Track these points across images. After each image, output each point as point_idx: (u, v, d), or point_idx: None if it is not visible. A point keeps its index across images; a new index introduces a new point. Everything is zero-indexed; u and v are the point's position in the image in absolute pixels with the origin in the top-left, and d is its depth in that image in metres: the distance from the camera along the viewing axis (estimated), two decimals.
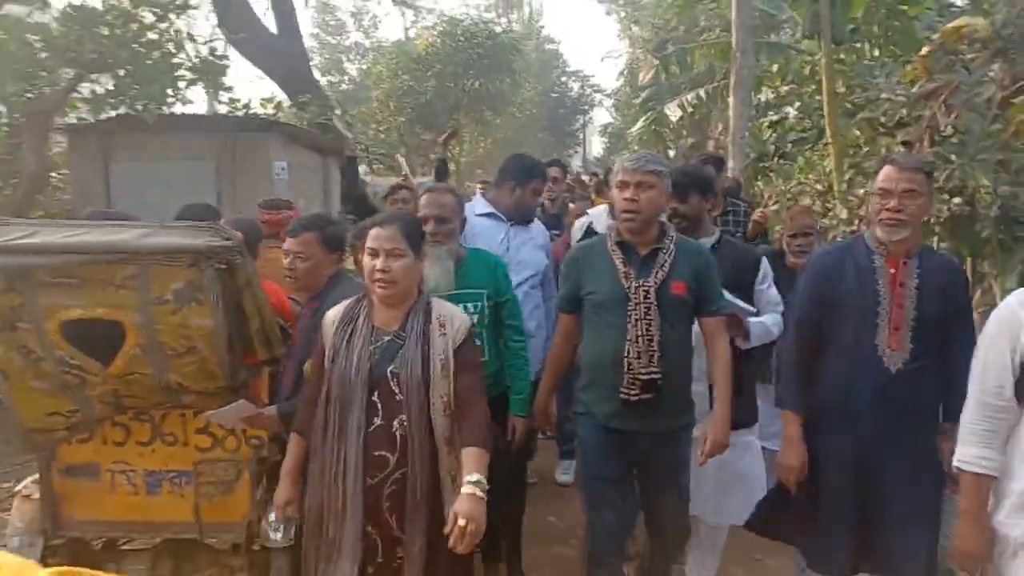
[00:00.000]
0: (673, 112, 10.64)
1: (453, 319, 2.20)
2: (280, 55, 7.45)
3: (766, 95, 10.38)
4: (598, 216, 3.82)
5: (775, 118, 9.91)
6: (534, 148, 28.63)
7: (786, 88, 8.80)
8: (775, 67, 8.53)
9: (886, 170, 2.36)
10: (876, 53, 6.51)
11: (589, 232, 3.63)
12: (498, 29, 16.04)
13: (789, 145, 9.35)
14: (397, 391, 2.07)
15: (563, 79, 30.66)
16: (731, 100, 9.40)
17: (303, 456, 2.22)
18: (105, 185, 6.23)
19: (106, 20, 4.55)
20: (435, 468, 2.09)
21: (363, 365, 2.08)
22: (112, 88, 4.79)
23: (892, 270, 2.34)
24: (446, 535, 1.96)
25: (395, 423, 2.06)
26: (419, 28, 7.69)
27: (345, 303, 2.24)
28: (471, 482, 2.01)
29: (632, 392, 2.45)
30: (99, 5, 4.90)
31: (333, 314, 2.21)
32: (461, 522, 1.92)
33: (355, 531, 2.06)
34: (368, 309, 2.17)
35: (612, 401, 2.50)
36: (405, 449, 2.05)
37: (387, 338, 2.12)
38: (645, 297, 2.45)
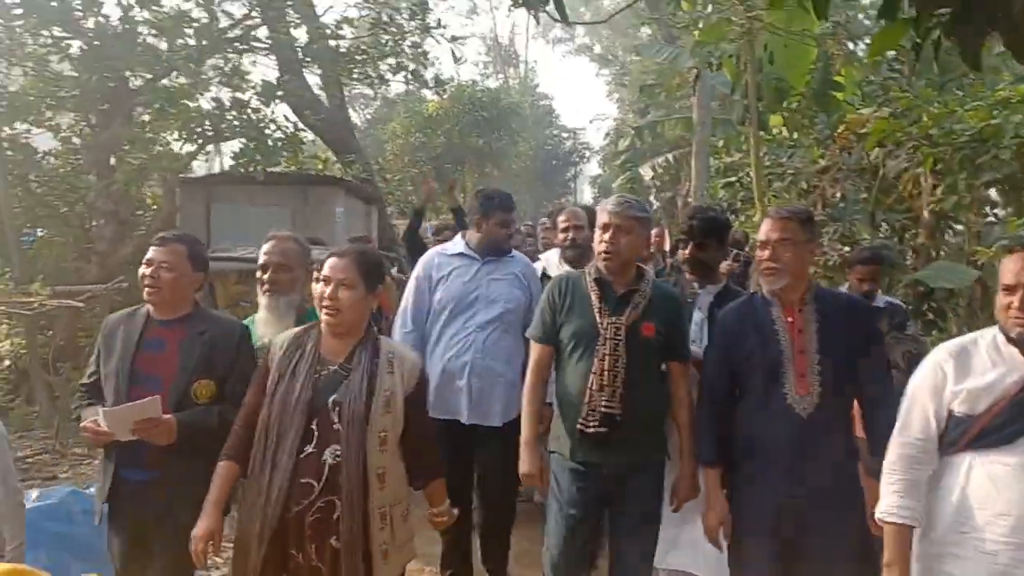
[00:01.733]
0: (646, 172, 12.78)
1: (404, 360, 2.23)
2: (332, 123, 9.44)
3: (725, 159, 12.52)
4: (549, 259, 3.91)
5: (729, 179, 12.02)
6: (528, 197, 30.82)
7: (733, 157, 10.86)
8: (720, 142, 10.59)
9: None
10: (796, 135, 8.58)
11: (544, 277, 3.64)
12: (500, 95, 18.26)
13: (740, 203, 11.43)
14: (336, 421, 2.06)
15: (556, 134, 33.01)
16: (693, 164, 11.50)
17: (230, 484, 2.18)
18: (207, 223, 8.17)
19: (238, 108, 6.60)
20: (365, 502, 2.07)
21: (305, 393, 2.08)
22: (237, 152, 6.80)
23: (790, 319, 2.38)
24: (373, 573, 2.08)
25: (327, 452, 2.05)
26: (431, 92, 9.49)
27: (295, 330, 2.27)
28: (437, 512, 2.36)
29: (590, 424, 2.49)
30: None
31: (281, 340, 2.24)
32: (435, 510, 2.36)
33: (258, 553, 2.04)
34: (317, 338, 2.18)
35: (573, 434, 2.55)
36: (333, 478, 2.04)
37: (332, 368, 2.14)
38: (615, 334, 2.49)
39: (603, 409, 2.47)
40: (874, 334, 2.49)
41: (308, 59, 7.93)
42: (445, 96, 14.26)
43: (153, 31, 7.81)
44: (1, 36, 7.63)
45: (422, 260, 3.49)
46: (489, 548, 3.45)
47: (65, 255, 7.69)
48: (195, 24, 7.69)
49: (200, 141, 6.95)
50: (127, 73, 7.10)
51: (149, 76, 7.04)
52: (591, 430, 2.48)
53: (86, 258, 7.84)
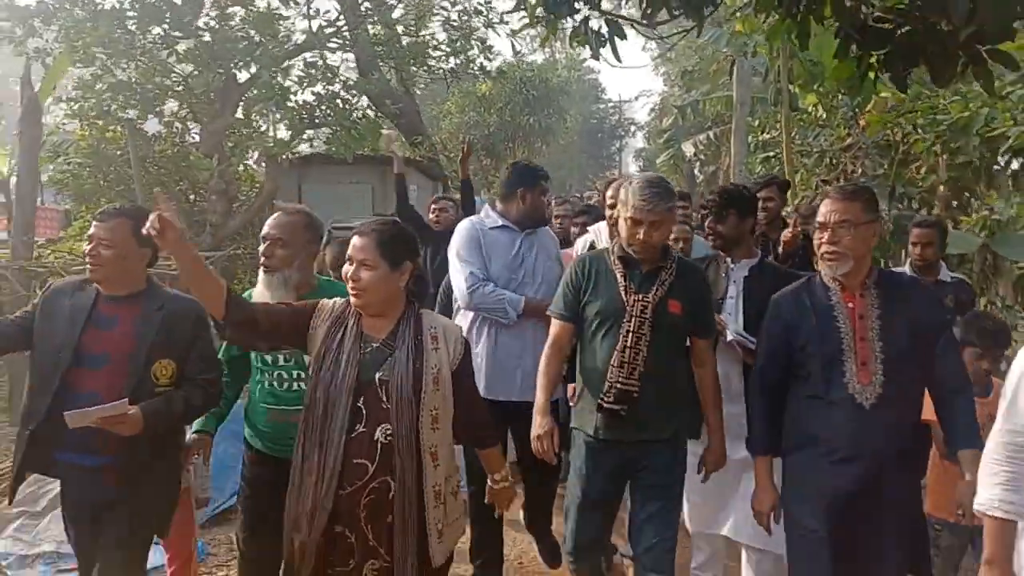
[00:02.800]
0: (688, 148, 13.59)
1: (447, 334, 2.17)
2: (404, 110, 10.54)
3: (762, 136, 13.25)
4: (600, 231, 3.73)
5: (767, 155, 12.75)
6: (573, 170, 31.63)
7: (769, 135, 11.61)
8: (756, 122, 11.36)
9: (824, 202, 2.31)
10: (825, 116, 9.35)
11: (592, 249, 3.48)
12: (549, 75, 19.11)
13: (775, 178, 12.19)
14: (385, 399, 2.02)
15: (601, 107, 33.62)
16: (732, 141, 12.28)
17: (216, 281, 2.06)
18: (298, 200, 9.39)
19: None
20: (420, 481, 2.04)
21: (350, 370, 2.03)
22: (329, 137, 7.97)
23: (850, 304, 2.27)
24: (429, 553, 2.05)
25: (378, 431, 2.01)
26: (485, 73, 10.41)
27: (338, 300, 2.19)
28: (496, 480, 2.32)
29: (607, 399, 2.48)
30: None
31: (326, 310, 2.16)
32: (496, 485, 2.31)
33: (315, 533, 2.00)
34: (357, 315, 2.13)
35: (594, 411, 2.54)
36: (386, 458, 2.00)
37: (375, 345, 2.09)
38: (642, 312, 2.47)
39: (620, 386, 2.46)
40: (941, 317, 2.36)
41: (385, 55, 9.00)
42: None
43: (249, 28, 9.00)
44: (117, 35, 8.88)
45: (463, 232, 3.26)
46: (534, 512, 3.41)
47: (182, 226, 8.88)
48: (286, 21, 8.85)
49: (298, 128, 8.14)
50: (233, 68, 8.30)
51: (253, 71, 8.22)
52: (607, 405, 2.48)
53: (198, 230, 9.13)
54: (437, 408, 2.08)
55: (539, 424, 2.58)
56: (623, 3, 3.27)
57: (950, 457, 2.34)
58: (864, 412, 2.21)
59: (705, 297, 2.65)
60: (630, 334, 2.47)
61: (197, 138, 9.74)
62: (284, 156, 8.24)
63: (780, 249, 3.64)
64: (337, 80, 8.36)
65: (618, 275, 2.55)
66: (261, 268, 2.53)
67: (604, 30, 3.08)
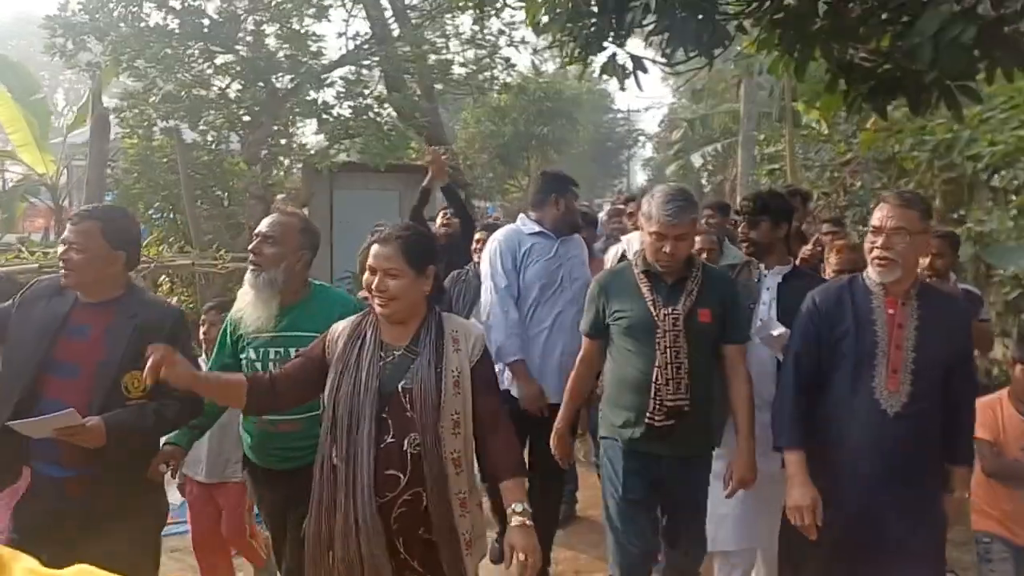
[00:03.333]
0: (697, 160, 14.14)
1: (468, 334, 2.12)
2: (429, 123, 11.12)
3: (767, 150, 13.78)
4: (631, 242, 3.71)
5: (772, 167, 13.28)
6: (583, 178, 32.14)
7: (775, 148, 12.15)
8: (761, 136, 11.91)
9: (881, 207, 2.28)
10: (827, 131, 9.88)
11: (624, 259, 3.43)
12: (561, 87, 19.72)
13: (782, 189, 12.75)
14: (409, 408, 1.98)
15: (611, 118, 34.16)
16: (740, 153, 12.81)
17: (230, 387, 2.10)
18: (330, 206, 9.96)
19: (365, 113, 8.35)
20: (444, 490, 1.99)
21: (372, 381, 1.99)
22: (362, 147, 8.54)
23: (891, 311, 2.24)
24: (461, 566, 1.99)
25: (406, 441, 1.97)
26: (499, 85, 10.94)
27: (353, 318, 2.14)
28: (519, 512, 2.00)
29: (657, 418, 2.43)
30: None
31: (340, 328, 2.12)
32: (521, 556, 1.94)
33: (379, 551, 1.94)
34: (376, 324, 2.08)
35: (637, 426, 2.49)
36: (417, 468, 1.96)
37: (397, 353, 2.04)
38: (674, 325, 2.43)
39: (671, 402, 2.42)
40: (968, 337, 2.38)
41: (412, 72, 9.60)
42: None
43: (285, 44, 9.59)
44: (161, 49, 9.48)
45: (502, 238, 3.34)
46: (539, 520, 3.51)
47: (219, 229, 9.56)
48: (319, 40, 9.45)
49: (335, 138, 8.73)
50: (274, 80, 8.89)
51: (292, 85, 8.82)
52: (659, 423, 2.43)
53: (234, 233, 9.68)
54: (458, 412, 2.02)
55: (560, 416, 2.70)
56: (644, 42, 3.70)
57: (991, 469, 2.55)
58: (888, 419, 2.21)
59: (735, 302, 2.61)
60: (668, 349, 2.43)
61: (234, 146, 10.35)
62: (320, 165, 8.82)
63: (797, 263, 3.49)
64: (370, 95, 8.96)
65: (644, 289, 2.52)
66: (251, 269, 2.44)
67: (629, 65, 3.62)
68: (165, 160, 9.05)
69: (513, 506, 2.02)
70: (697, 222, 2.64)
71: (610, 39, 3.48)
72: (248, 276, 2.46)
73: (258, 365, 2.48)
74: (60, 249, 2.35)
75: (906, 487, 2.24)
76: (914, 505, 2.25)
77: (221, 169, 9.91)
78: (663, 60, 3.51)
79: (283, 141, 9.04)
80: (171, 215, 9.48)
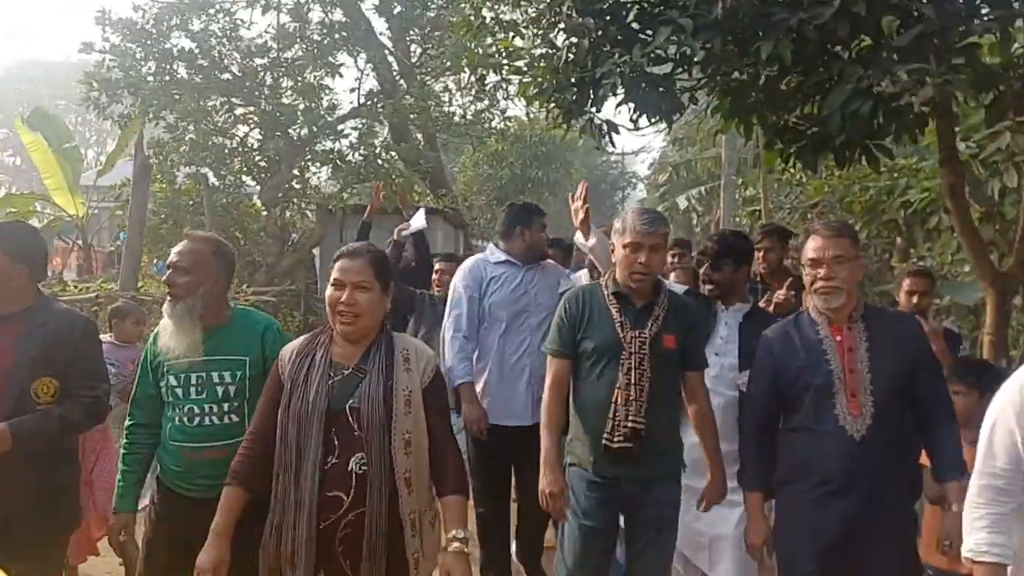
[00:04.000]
0: (682, 202, 14.96)
1: (419, 355, 2.11)
2: (430, 167, 11.93)
3: (745, 193, 14.65)
4: (579, 281, 3.79)
5: (751, 210, 14.12)
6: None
7: (754, 192, 12.99)
8: (739, 180, 12.76)
9: (812, 240, 2.34)
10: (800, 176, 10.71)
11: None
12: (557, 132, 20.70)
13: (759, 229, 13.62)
14: (356, 427, 1.96)
15: (604, 160, 35.21)
16: (722, 196, 13.64)
17: (239, 509, 2.02)
18: (341, 242, 10.70)
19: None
20: (395, 509, 1.97)
21: (320, 401, 1.96)
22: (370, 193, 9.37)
23: (838, 337, 2.29)
24: None
25: (352, 461, 1.95)
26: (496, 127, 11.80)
27: (303, 337, 2.14)
28: (457, 539, 1.96)
29: (615, 439, 2.45)
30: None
31: (289, 349, 2.11)
32: None
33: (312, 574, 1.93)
34: (327, 343, 2.07)
35: (596, 448, 2.50)
36: (361, 488, 1.93)
37: (346, 372, 2.02)
38: (640, 348, 2.46)
39: (629, 424, 2.45)
40: (925, 350, 2.38)
41: (416, 123, 10.45)
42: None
43: (299, 97, 10.45)
44: (191, 105, 10.33)
45: (467, 268, 3.49)
46: (525, 542, 3.50)
47: (238, 267, 10.25)
48: (332, 93, 10.33)
49: (347, 183, 9.51)
50: (291, 131, 9.72)
51: (308, 135, 9.64)
52: (616, 445, 2.46)
53: (251, 270, 10.40)
54: (409, 432, 2.01)
55: (549, 481, 2.54)
56: (615, 109, 4.34)
57: (933, 498, 2.47)
58: (855, 444, 2.21)
59: (697, 330, 2.67)
60: (632, 371, 2.46)
61: (249, 189, 11.15)
62: (334, 207, 9.60)
63: (772, 309, 3.54)
64: (379, 144, 9.78)
65: (613, 311, 2.54)
66: (169, 298, 2.42)
67: (605, 127, 4.38)
68: (191, 203, 9.81)
69: (453, 532, 1.99)
70: (667, 238, 2.66)
71: (587, 107, 4.24)
72: (166, 307, 2.41)
73: (179, 391, 2.40)
74: None
75: (880, 510, 2.23)
76: (889, 528, 2.23)
77: (238, 211, 10.69)
78: (631, 125, 4.25)
79: (298, 185, 9.82)
80: None
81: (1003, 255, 5.23)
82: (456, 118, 10.72)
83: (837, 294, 2.30)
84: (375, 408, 1.97)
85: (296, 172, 9.91)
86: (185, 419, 2.39)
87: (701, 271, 3.01)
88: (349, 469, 1.95)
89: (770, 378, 2.41)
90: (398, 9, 10.52)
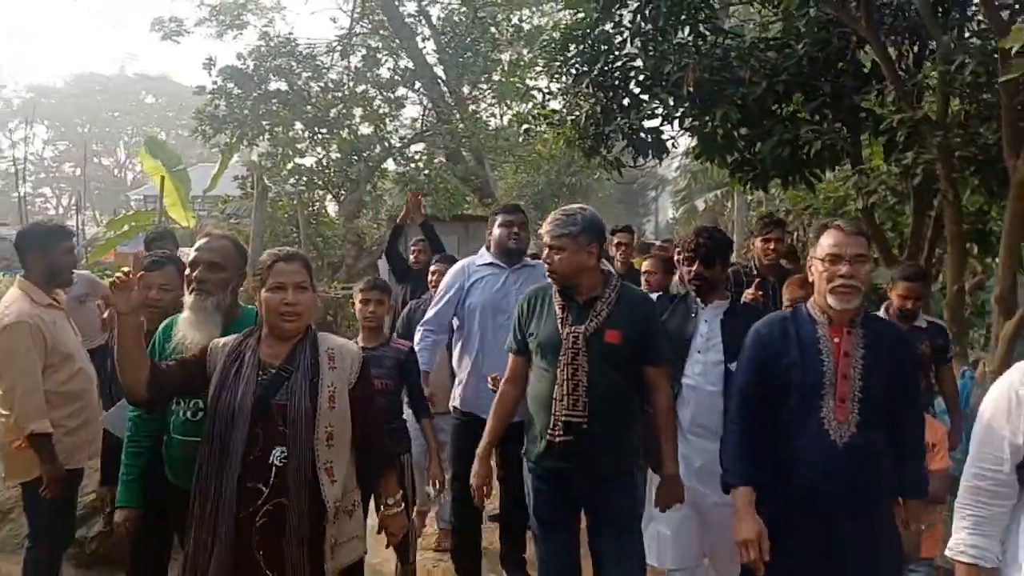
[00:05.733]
0: (699, 205, 16.54)
1: (344, 353, 2.17)
2: (480, 182, 13.71)
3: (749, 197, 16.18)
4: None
5: (762, 211, 15.63)
6: (611, 218, 34.23)
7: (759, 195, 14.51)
8: None
9: (833, 235, 2.20)
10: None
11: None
12: None
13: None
14: (281, 422, 2.03)
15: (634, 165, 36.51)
16: (734, 199, 15.21)
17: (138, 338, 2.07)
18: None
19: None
20: (317, 498, 2.03)
21: (247, 398, 2.03)
22: (430, 204, 11.22)
23: (836, 339, 2.20)
24: (323, 570, 2.04)
25: (272, 455, 2.01)
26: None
27: (233, 337, 2.18)
28: (390, 504, 2.24)
29: (556, 433, 2.47)
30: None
31: (220, 344, 2.16)
32: (393, 532, 2.26)
33: (224, 565, 1.98)
34: (254, 344, 2.13)
35: (541, 442, 2.54)
36: (280, 480, 2.00)
37: (273, 370, 2.09)
38: (574, 343, 2.47)
39: (565, 418, 2.46)
40: (915, 366, 2.39)
41: (467, 146, 12.29)
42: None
43: (368, 124, 12.37)
44: (279, 133, 12.30)
45: (453, 270, 3.56)
46: (508, 541, 3.50)
47: (321, 267, 12.21)
48: (395, 119, 12.22)
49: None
50: (366, 153, 11.65)
51: (378, 156, 11.56)
52: (558, 439, 2.47)
53: (331, 272, 12.30)
54: (332, 426, 2.07)
55: (476, 472, 2.65)
56: (621, 151, 5.78)
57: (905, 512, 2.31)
58: (836, 449, 2.16)
59: (650, 324, 2.60)
60: (567, 367, 2.47)
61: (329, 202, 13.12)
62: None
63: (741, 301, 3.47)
64: (438, 163, 11.66)
65: (557, 308, 2.56)
66: (192, 293, 2.39)
67: (614, 163, 6.13)
68: (286, 216, 11.79)
69: (389, 500, 2.22)
70: (579, 238, 2.52)
71: (601, 150, 6.00)
72: (192, 302, 2.38)
73: None
74: None
75: (862, 517, 2.18)
76: (871, 535, 2.18)
77: (317, 221, 12.65)
78: (631, 163, 6.00)
79: (369, 200, 11.72)
80: None
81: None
82: (500, 141, 12.56)
83: (856, 295, 2.20)
84: (300, 404, 2.04)
85: (369, 188, 11.80)
86: (189, 413, 2.40)
87: (688, 268, 2.90)
88: (269, 462, 2.01)
89: (758, 371, 2.31)
90: (451, 52, 12.45)
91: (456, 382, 3.53)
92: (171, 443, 2.46)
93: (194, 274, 2.40)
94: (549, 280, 2.76)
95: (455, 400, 3.51)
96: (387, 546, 2.37)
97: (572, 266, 2.54)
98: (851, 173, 5.41)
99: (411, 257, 5.62)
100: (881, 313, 3.66)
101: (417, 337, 3.52)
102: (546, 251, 2.56)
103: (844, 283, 2.17)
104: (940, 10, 4.32)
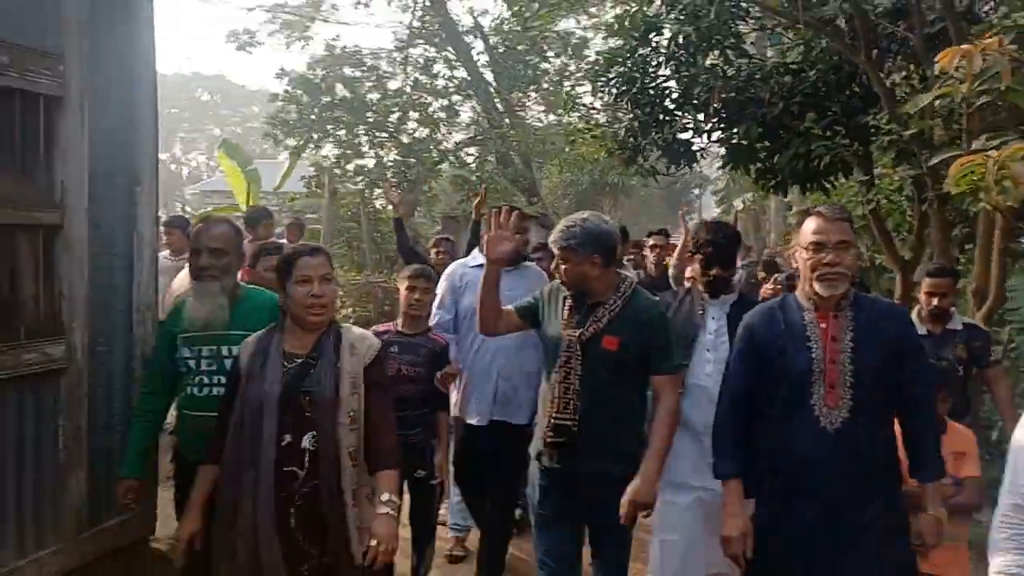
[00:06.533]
0: (738, 204, 17.10)
1: (363, 342, 2.24)
2: (526, 181, 14.57)
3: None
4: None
5: (797, 210, 16.09)
6: (654, 218, 34.58)
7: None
8: None
9: (814, 222, 2.17)
10: None
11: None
12: None
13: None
14: (308, 409, 2.10)
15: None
16: (772, 201, 15.73)
17: (211, 484, 2.16)
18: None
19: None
20: (339, 482, 2.09)
21: (275, 387, 2.10)
22: None
23: (823, 324, 2.17)
24: (351, 551, 2.07)
25: (304, 439, 2.09)
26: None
27: (259, 334, 2.24)
28: (384, 502, 2.12)
29: (549, 434, 2.50)
30: None
31: (247, 344, 2.23)
32: (373, 543, 2.06)
33: (271, 547, 2.03)
34: (279, 337, 2.20)
35: (540, 440, 2.58)
36: (314, 463, 2.07)
37: (299, 360, 2.16)
38: (569, 346, 2.47)
39: (556, 420, 2.46)
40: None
41: (517, 150, 13.16)
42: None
43: (423, 127, 13.34)
44: (343, 137, 13.33)
45: (446, 273, 3.55)
46: (492, 548, 3.44)
47: (379, 259, 13.24)
48: (450, 124, 13.16)
49: (464, 197, 12.36)
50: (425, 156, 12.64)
51: (435, 158, 12.53)
52: (550, 440, 2.50)
53: (392, 261, 13.30)
54: (354, 410, 2.14)
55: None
56: (655, 160, 6.51)
57: (912, 503, 2.25)
58: (828, 436, 2.11)
59: (656, 332, 2.54)
60: (560, 369, 2.48)
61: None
62: (457, 214, 12.45)
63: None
64: (489, 166, 12.58)
65: (565, 309, 2.56)
66: (202, 279, 2.49)
67: (650, 170, 6.93)
68: (349, 213, 12.84)
69: (385, 496, 2.14)
70: (579, 251, 2.51)
71: (638, 160, 6.81)
72: (201, 287, 2.49)
73: (192, 363, 2.53)
74: None
75: (861, 506, 2.12)
76: (871, 525, 2.12)
77: (376, 218, 13.69)
78: (664, 170, 6.79)
79: (424, 199, 12.69)
80: (345, 250, 13.25)
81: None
82: (547, 146, 13.43)
83: (842, 281, 2.17)
84: (325, 391, 2.11)
85: (426, 188, 12.76)
86: (195, 389, 2.51)
87: (707, 268, 2.81)
88: (302, 446, 2.09)
89: (748, 361, 2.28)
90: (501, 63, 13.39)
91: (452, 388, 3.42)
92: (183, 418, 2.60)
93: (200, 261, 2.50)
94: (544, 281, 2.92)
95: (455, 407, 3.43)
96: (363, 556, 2.11)
97: (575, 276, 2.54)
98: (855, 183, 6.09)
99: (433, 255, 5.50)
100: (913, 316, 3.47)
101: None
102: (555, 261, 2.61)
103: (828, 271, 2.15)
104: (935, 43, 4.97)
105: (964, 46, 2.50)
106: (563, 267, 2.53)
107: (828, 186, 6.52)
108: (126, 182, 2.93)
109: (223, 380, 2.40)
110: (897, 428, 2.23)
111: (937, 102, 3.40)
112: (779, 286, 3.94)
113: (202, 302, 2.45)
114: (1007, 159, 2.28)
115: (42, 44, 2.57)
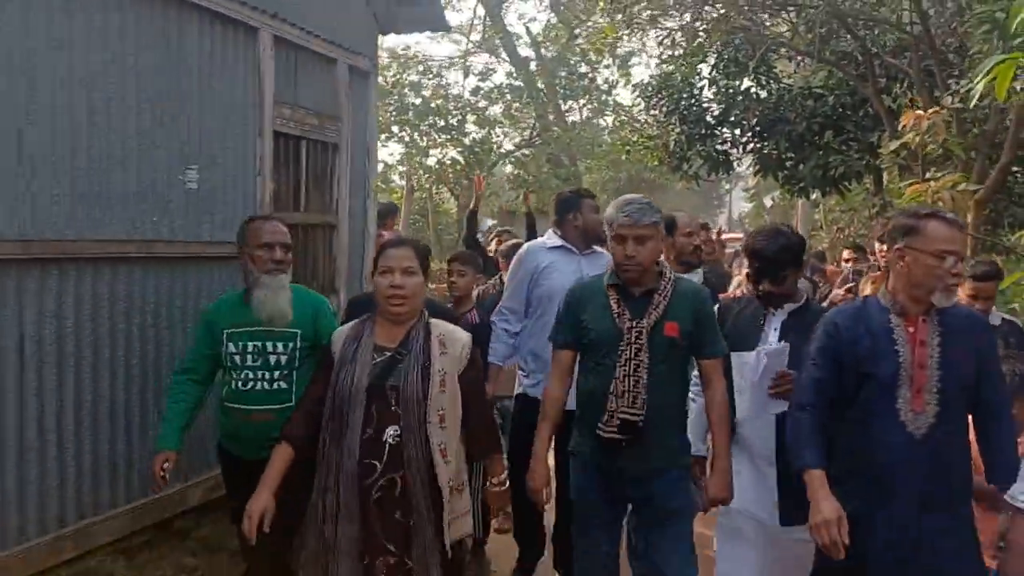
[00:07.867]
0: (767, 202, 18.26)
1: (454, 339, 2.23)
2: (575, 179, 15.90)
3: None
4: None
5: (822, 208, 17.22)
6: (686, 210, 35.18)
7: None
8: None
9: (944, 228, 2.05)
10: None
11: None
12: None
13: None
14: (394, 403, 2.12)
15: None
16: (800, 201, 16.88)
17: (286, 465, 2.18)
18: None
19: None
20: (434, 478, 2.12)
21: (363, 379, 2.13)
22: (536, 199, 13.68)
23: (911, 329, 2.12)
24: (443, 543, 2.13)
25: (386, 433, 2.11)
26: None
27: (354, 323, 2.28)
28: (496, 483, 2.32)
29: (608, 429, 2.39)
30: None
31: (341, 332, 2.27)
32: (498, 511, 2.34)
33: (353, 532, 2.09)
34: (371, 328, 2.22)
35: (592, 438, 2.44)
36: (394, 457, 2.10)
37: (388, 354, 2.17)
38: (637, 338, 2.39)
39: (623, 415, 2.36)
40: (993, 348, 2.23)
41: (565, 150, 14.52)
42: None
43: (481, 129, 14.76)
44: (407, 137, 14.76)
45: (521, 256, 3.41)
46: (563, 548, 3.21)
47: (440, 251, 14.73)
48: (504, 125, 14.57)
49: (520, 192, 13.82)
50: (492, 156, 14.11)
51: (492, 159, 14.00)
52: (607, 435, 2.38)
53: (448, 252, 14.74)
54: (444, 408, 2.15)
55: (533, 474, 2.52)
56: (698, 167, 7.78)
57: (986, 502, 2.26)
58: (914, 441, 2.05)
59: (704, 315, 2.48)
60: (629, 361, 2.38)
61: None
62: (515, 210, 13.88)
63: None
64: (541, 166, 14.01)
65: (611, 302, 2.45)
66: (270, 272, 2.56)
67: (693, 176, 8.30)
68: (416, 208, 14.34)
69: (494, 479, 2.33)
70: (659, 227, 2.42)
71: (683, 167, 8.18)
72: (272, 280, 2.57)
73: (236, 358, 2.57)
74: None
75: (940, 511, 2.06)
76: (950, 530, 2.07)
77: (435, 213, 15.19)
78: (706, 176, 8.17)
79: (482, 196, 14.15)
80: None
81: None
82: (595, 148, 14.81)
83: (956, 290, 2.15)
84: (412, 386, 2.12)
85: (488, 186, 14.22)
86: (240, 383, 2.55)
87: (756, 281, 2.70)
88: (383, 440, 2.11)
89: (832, 360, 2.18)
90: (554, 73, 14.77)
91: (523, 371, 3.38)
92: (225, 411, 2.62)
93: (275, 255, 2.58)
94: (603, 270, 2.63)
95: (526, 388, 3.31)
96: (492, 517, 2.49)
97: (655, 256, 2.45)
98: (864, 189, 7.42)
99: (493, 245, 5.56)
100: None
101: (494, 329, 3.38)
102: (626, 243, 2.40)
103: (954, 282, 2.09)
104: (930, 75, 6.23)
105: (917, 112, 3.89)
106: (644, 247, 2.39)
107: (843, 191, 7.85)
108: (362, 197, 4.47)
109: (267, 375, 2.53)
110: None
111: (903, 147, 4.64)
112: (851, 295, 3.82)
113: (277, 295, 2.54)
114: (941, 187, 3.66)
115: (332, 110, 4.10)
